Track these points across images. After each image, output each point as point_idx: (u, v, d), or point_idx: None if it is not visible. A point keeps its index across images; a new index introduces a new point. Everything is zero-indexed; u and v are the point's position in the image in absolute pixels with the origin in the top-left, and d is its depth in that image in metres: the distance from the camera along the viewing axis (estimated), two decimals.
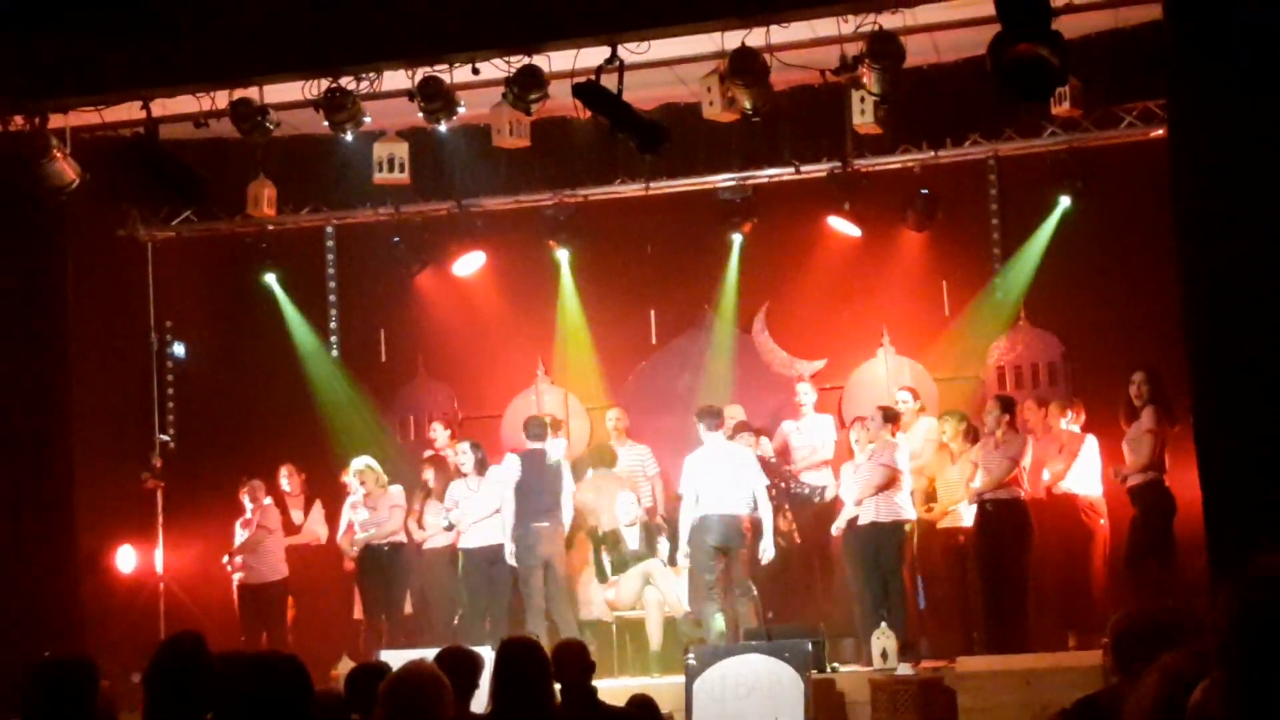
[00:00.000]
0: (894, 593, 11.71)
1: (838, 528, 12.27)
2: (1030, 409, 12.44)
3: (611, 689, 8.54)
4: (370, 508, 12.85)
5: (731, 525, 11.76)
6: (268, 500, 13.27)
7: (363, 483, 12.87)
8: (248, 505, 13.24)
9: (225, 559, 13.30)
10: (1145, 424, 11.54)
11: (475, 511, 12.41)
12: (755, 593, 11.83)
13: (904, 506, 11.87)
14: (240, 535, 13.25)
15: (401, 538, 12.88)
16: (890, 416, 12.05)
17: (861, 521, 11.91)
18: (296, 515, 13.50)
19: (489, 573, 12.32)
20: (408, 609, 13.03)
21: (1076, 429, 12.16)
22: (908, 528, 11.92)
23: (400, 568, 12.92)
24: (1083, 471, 12.00)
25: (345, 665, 10.63)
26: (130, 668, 8.78)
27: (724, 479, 11.81)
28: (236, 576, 13.27)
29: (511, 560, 12.12)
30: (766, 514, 11.88)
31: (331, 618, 13.36)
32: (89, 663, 4.86)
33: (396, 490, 12.94)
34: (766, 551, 11.87)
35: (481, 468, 12.52)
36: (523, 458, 12.34)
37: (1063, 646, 11.50)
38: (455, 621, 12.47)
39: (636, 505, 12.48)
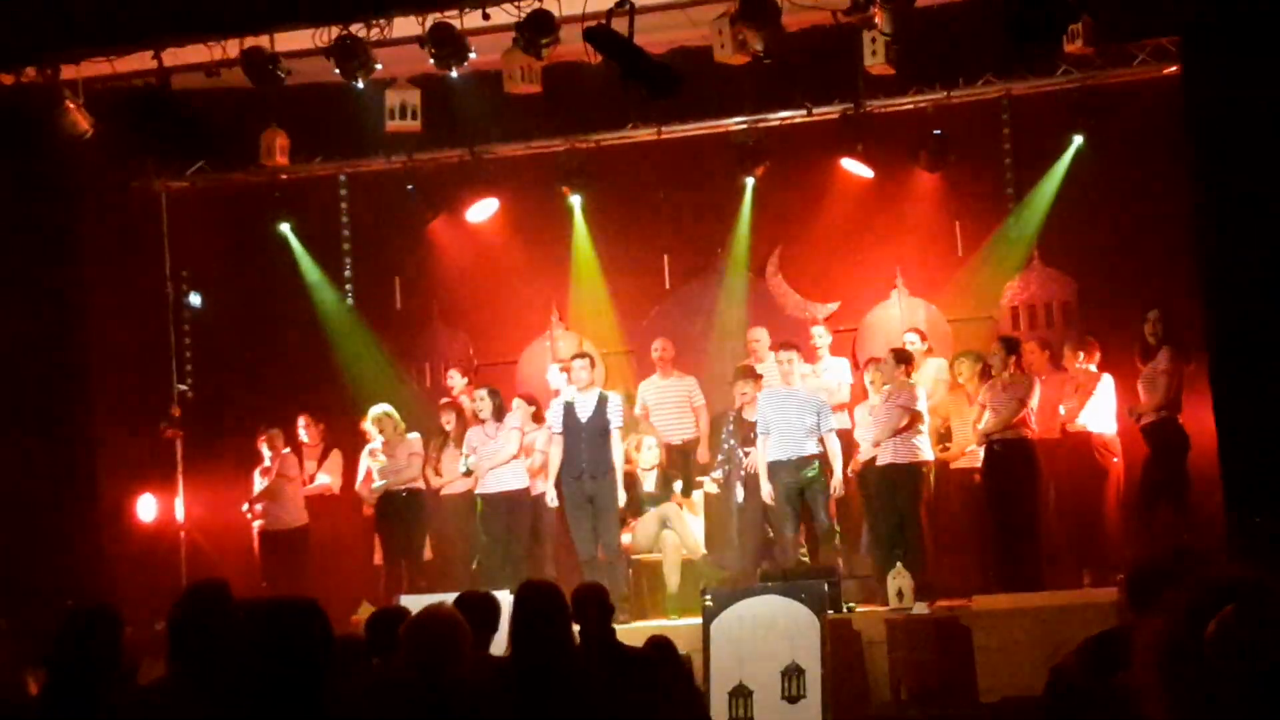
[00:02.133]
0: (911, 533, 11.75)
1: (853, 469, 12.31)
2: (1033, 351, 12.40)
3: (629, 631, 8.61)
4: (388, 455, 12.91)
5: (803, 465, 11.86)
6: (286, 449, 13.35)
7: (381, 430, 12.93)
8: (266, 454, 13.31)
9: (246, 506, 13.39)
10: (1161, 364, 11.55)
11: (492, 457, 12.46)
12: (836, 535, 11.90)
13: (922, 448, 11.90)
14: (260, 483, 13.32)
15: (420, 484, 12.95)
16: (903, 358, 12.04)
17: (880, 462, 11.94)
18: (309, 466, 13.55)
19: (507, 518, 12.38)
20: (427, 554, 13.11)
21: (1092, 368, 12.16)
22: (925, 469, 11.96)
23: (419, 514, 12.99)
24: (1098, 410, 12.01)
25: (366, 610, 10.70)
26: (153, 616, 8.85)
27: (794, 418, 11.89)
28: (257, 524, 13.36)
29: (553, 501, 12.19)
30: (835, 451, 11.92)
31: (352, 563, 13.45)
32: (113, 611, 4.91)
33: (414, 438, 12.99)
34: (838, 489, 11.94)
35: (499, 414, 12.55)
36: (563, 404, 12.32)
37: (1078, 584, 11.55)
38: (474, 566, 12.55)
39: (657, 449, 12.54)
